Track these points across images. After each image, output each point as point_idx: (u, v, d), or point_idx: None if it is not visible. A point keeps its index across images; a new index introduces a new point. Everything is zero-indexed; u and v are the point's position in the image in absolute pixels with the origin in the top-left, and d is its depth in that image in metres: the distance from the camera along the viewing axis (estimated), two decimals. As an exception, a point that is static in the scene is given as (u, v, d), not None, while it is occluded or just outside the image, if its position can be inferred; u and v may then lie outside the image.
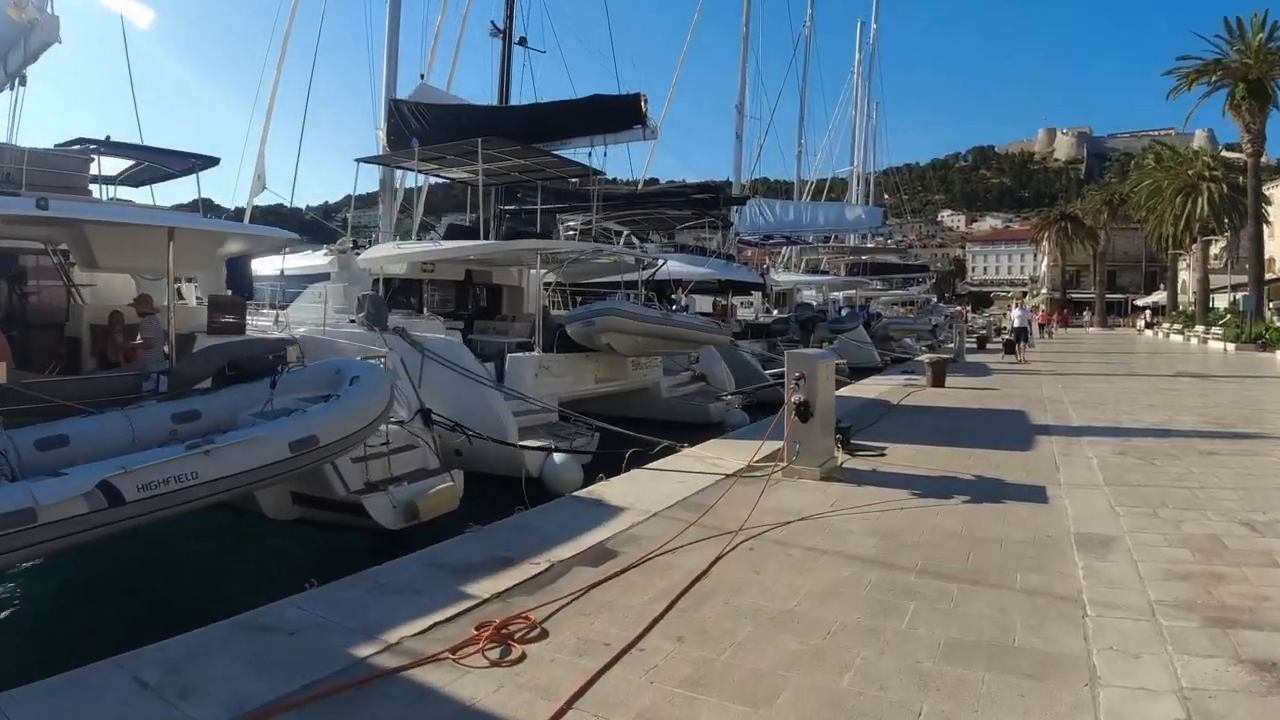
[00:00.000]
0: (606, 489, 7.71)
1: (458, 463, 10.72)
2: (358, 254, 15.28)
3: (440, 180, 19.32)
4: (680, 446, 9.81)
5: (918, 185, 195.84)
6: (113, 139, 11.45)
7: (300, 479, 8.74)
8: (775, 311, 30.56)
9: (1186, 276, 59.56)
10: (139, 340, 9.63)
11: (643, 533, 6.20)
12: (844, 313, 30.18)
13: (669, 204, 26.01)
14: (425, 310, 17.02)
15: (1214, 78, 39.90)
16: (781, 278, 33.95)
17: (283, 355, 8.81)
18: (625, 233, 30.10)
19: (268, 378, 8.12)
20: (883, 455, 9.30)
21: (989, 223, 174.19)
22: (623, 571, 5.29)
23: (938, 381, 17.47)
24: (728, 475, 8.04)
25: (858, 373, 24.64)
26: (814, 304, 29.93)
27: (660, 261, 16.47)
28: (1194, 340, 39.89)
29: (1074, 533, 6.07)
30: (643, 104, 14.62)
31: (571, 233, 23.62)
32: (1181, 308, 55.11)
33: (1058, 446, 9.94)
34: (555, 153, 16.22)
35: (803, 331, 24.21)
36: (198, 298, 12.99)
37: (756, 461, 8.34)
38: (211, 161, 12.74)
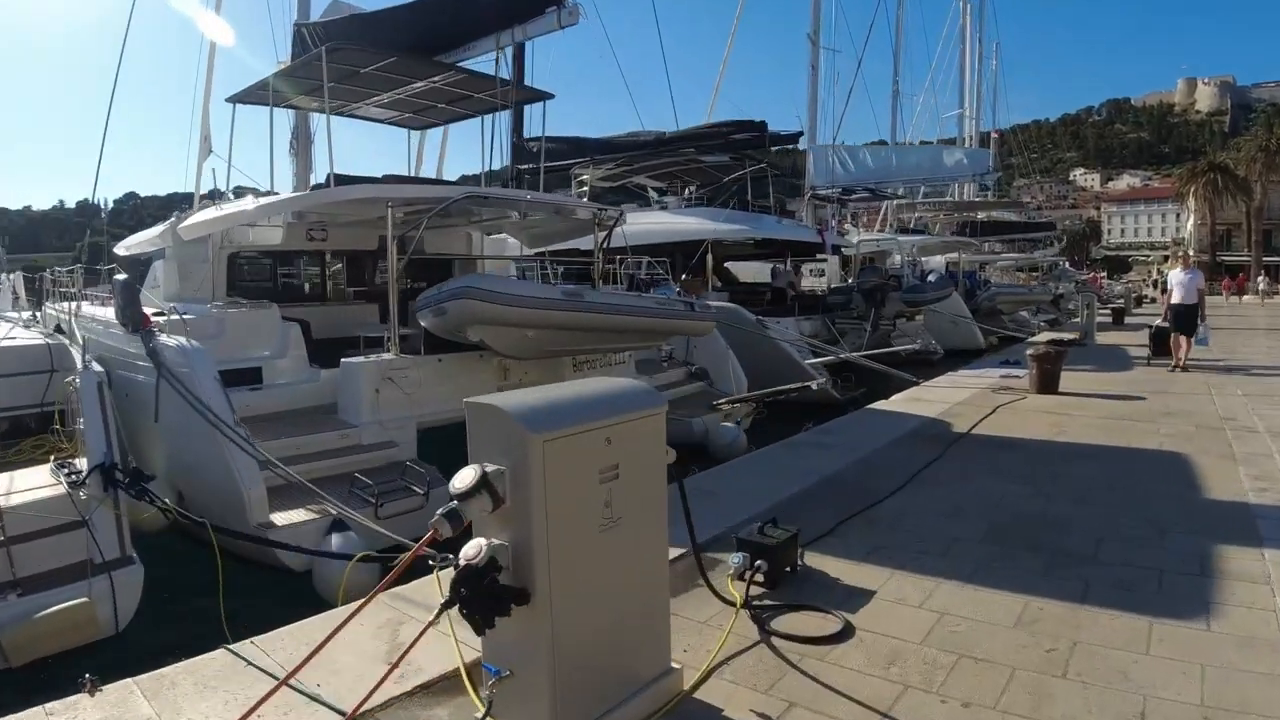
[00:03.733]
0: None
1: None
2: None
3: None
4: (438, 564, 4.61)
5: (1047, 143, 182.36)
6: None
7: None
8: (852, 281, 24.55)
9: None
10: None
11: None
12: (931, 278, 23.75)
13: (704, 147, 20.70)
14: (329, 293, 12.41)
15: None
16: (858, 237, 27.87)
17: None
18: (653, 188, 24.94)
19: None
20: (838, 641, 3.77)
21: (1126, 181, 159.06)
22: None
23: (1045, 385, 11.58)
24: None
25: (952, 357, 18.83)
26: (885, 268, 23.54)
27: (618, 213, 11.11)
28: (1388, 313, 31.43)
29: None
30: (555, -25, 9.44)
31: (584, 190, 18.59)
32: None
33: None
34: (461, 64, 11.23)
35: (868, 304, 18.29)
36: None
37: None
38: None
